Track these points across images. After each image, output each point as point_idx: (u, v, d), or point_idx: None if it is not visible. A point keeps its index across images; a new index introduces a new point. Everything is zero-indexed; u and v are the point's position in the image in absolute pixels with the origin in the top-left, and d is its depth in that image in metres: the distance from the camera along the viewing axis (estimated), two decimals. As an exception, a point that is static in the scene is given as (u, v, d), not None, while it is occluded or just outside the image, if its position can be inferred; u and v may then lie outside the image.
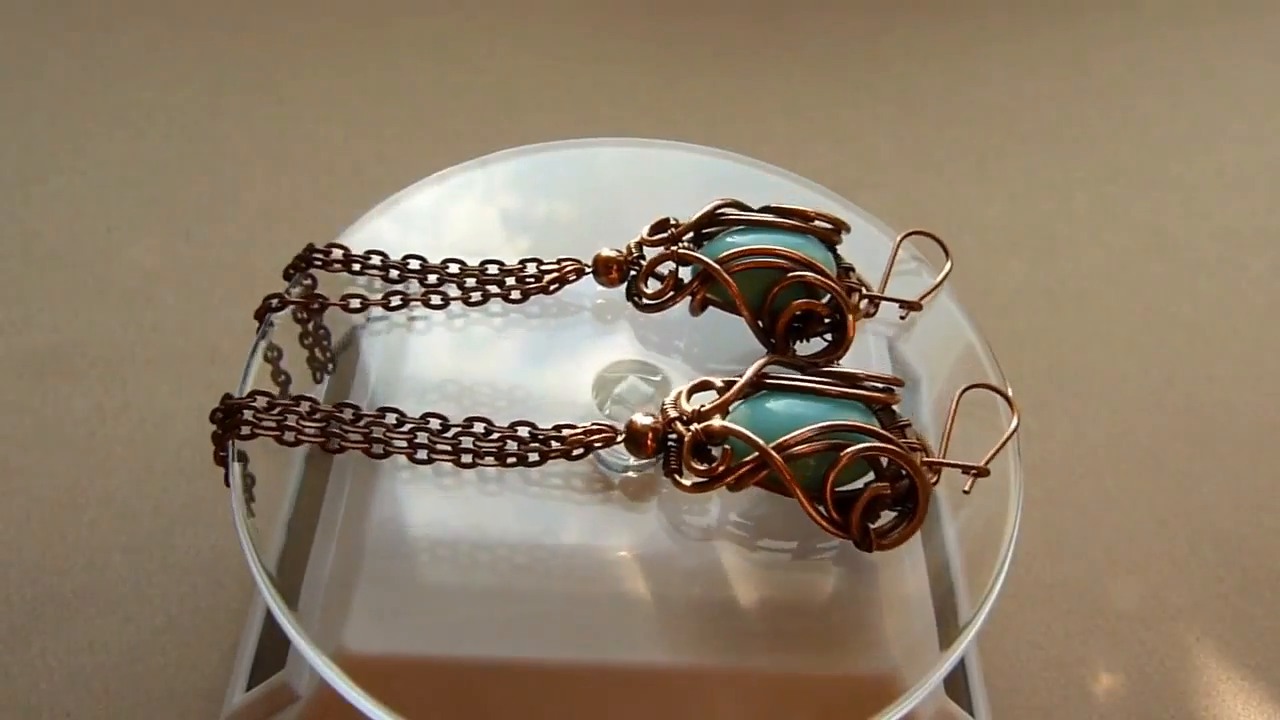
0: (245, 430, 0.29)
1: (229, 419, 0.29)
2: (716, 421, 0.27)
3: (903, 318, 0.33)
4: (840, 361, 0.31)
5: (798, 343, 0.31)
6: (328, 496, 0.31)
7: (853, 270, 0.33)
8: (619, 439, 0.28)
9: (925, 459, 0.28)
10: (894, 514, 0.27)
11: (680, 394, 0.28)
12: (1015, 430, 0.29)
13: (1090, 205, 0.61)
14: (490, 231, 0.36)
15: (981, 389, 0.31)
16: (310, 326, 0.33)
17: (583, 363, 0.32)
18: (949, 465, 0.28)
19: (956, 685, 0.35)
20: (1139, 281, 0.57)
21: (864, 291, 0.33)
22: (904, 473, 0.27)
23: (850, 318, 0.30)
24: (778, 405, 0.27)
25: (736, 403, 0.28)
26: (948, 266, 0.34)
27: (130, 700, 0.37)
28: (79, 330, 0.50)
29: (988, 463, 0.28)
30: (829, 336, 0.31)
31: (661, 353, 0.33)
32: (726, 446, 0.27)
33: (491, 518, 0.29)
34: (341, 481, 0.30)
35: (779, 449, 0.26)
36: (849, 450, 0.26)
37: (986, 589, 0.28)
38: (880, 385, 0.28)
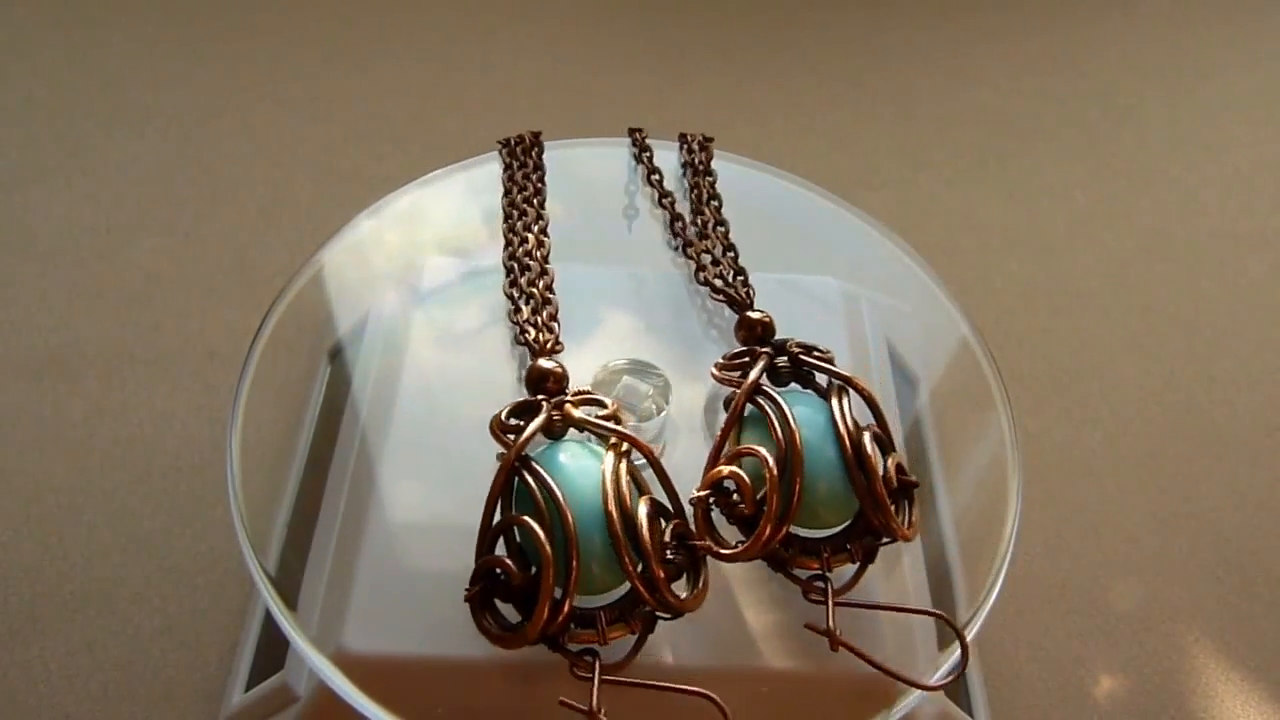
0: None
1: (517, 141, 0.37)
2: (551, 417, 0.27)
3: (832, 645, 0.26)
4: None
5: (715, 511, 0.27)
6: (326, 497, 0.31)
7: (856, 562, 0.27)
8: (527, 364, 0.29)
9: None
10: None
11: (590, 391, 0.28)
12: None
13: (1090, 205, 0.61)
14: (480, 231, 0.37)
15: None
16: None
17: (643, 343, 0.34)
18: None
19: (956, 685, 0.35)
20: (1139, 281, 0.57)
21: (826, 582, 0.26)
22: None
23: (749, 552, 0.26)
24: (582, 463, 0.26)
25: (585, 432, 0.27)
26: (958, 661, 0.26)
27: (129, 701, 0.37)
28: (79, 330, 0.50)
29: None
30: (741, 540, 0.27)
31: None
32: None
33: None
34: (340, 482, 0.30)
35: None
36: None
37: (985, 589, 0.28)
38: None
